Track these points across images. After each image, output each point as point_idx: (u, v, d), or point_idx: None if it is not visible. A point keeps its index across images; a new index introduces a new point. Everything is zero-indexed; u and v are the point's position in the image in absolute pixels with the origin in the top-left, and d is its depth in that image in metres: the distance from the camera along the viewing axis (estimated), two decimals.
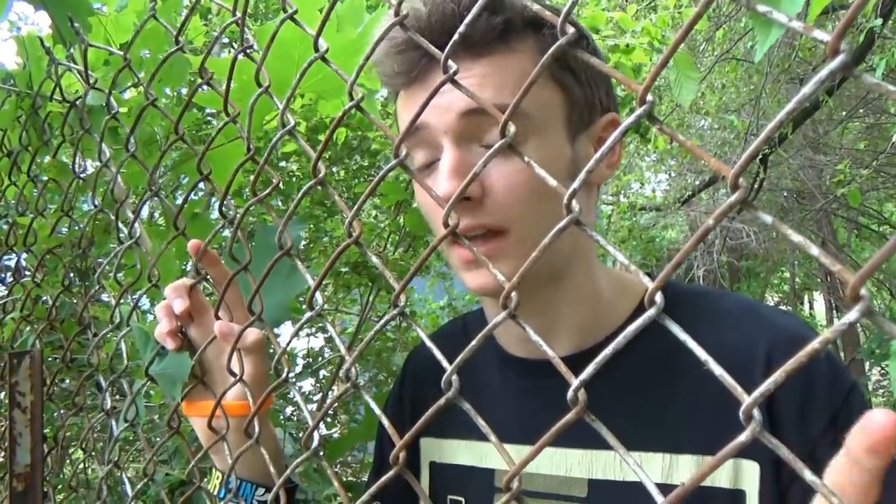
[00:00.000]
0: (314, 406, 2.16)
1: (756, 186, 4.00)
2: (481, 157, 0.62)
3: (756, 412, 0.33)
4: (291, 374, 0.61)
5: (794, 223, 5.78)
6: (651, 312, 0.36)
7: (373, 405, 0.51)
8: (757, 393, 0.32)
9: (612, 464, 0.70)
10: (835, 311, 8.31)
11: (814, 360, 0.31)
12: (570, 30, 0.42)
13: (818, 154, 5.32)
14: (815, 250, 0.32)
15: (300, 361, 2.20)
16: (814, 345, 0.31)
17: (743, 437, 0.33)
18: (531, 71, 0.65)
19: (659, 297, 0.36)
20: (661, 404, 0.69)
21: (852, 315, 0.30)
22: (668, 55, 0.37)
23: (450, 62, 0.48)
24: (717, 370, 0.35)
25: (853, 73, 0.31)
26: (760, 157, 3.56)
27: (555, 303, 0.73)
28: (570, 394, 0.39)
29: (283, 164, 1.80)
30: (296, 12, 0.61)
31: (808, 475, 0.32)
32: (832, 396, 0.65)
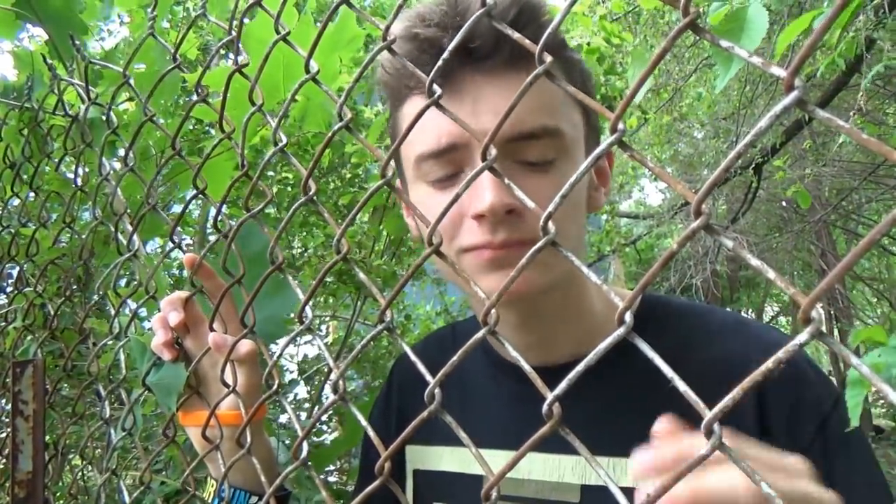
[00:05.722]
0: (306, 413, 2.18)
1: (750, 197, 4.02)
2: (516, 171, 0.65)
3: (717, 427, 0.34)
4: (283, 383, 0.62)
5: (793, 234, 5.79)
6: (620, 332, 0.38)
7: (359, 416, 0.53)
8: (716, 409, 0.34)
9: (606, 470, 0.71)
10: (834, 322, 8.32)
11: (769, 378, 0.33)
12: (548, 58, 0.44)
13: (817, 165, 5.34)
14: (771, 274, 0.34)
15: (294, 368, 2.21)
16: (767, 364, 0.32)
17: (704, 451, 0.35)
18: (558, 93, 0.67)
19: (628, 317, 0.38)
20: (653, 416, 0.70)
21: (803, 337, 0.32)
22: (636, 86, 0.39)
23: (435, 86, 0.50)
24: (682, 386, 0.36)
25: (807, 108, 0.33)
26: (754, 166, 3.57)
27: (545, 316, 0.74)
28: (544, 408, 0.41)
29: (270, 173, 1.81)
30: (288, 34, 0.63)
31: (766, 487, 0.34)
32: (821, 404, 0.67)
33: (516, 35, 0.48)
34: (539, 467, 0.75)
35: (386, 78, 0.72)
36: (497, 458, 0.74)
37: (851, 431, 0.68)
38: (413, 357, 0.50)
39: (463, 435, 0.47)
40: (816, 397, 0.67)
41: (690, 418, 0.68)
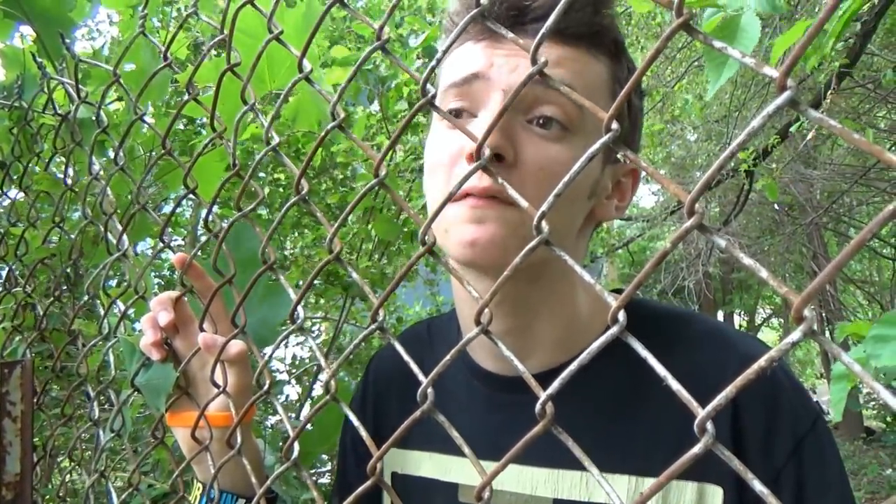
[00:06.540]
0: (295, 414, 2.17)
1: (742, 200, 4.04)
2: (521, 129, 0.65)
3: (709, 425, 0.34)
4: (274, 383, 0.62)
5: (785, 237, 5.81)
6: (614, 330, 0.38)
7: (352, 417, 0.52)
8: (710, 407, 0.34)
9: (578, 483, 0.70)
10: (826, 324, 8.35)
11: (761, 378, 0.33)
12: (542, 58, 0.44)
13: (809, 168, 5.37)
14: (764, 273, 0.34)
15: (284, 369, 2.19)
16: (760, 363, 0.32)
17: (696, 449, 0.34)
18: (602, 85, 0.68)
19: (622, 316, 0.38)
20: (630, 426, 0.70)
21: (796, 335, 0.31)
22: (630, 87, 0.39)
23: (428, 86, 0.49)
24: (675, 385, 0.36)
25: (800, 108, 0.33)
26: (746, 169, 3.59)
27: (530, 305, 0.72)
28: (537, 407, 0.41)
29: (262, 174, 1.80)
30: (281, 32, 0.63)
31: (758, 486, 0.34)
32: (797, 425, 0.66)
33: (510, 35, 0.47)
34: (513, 479, 0.73)
35: (450, 26, 0.73)
36: (472, 466, 0.73)
37: (826, 451, 0.67)
38: (407, 358, 0.50)
39: (455, 434, 0.47)
40: (792, 407, 0.66)
41: (667, 429, 0.68)
